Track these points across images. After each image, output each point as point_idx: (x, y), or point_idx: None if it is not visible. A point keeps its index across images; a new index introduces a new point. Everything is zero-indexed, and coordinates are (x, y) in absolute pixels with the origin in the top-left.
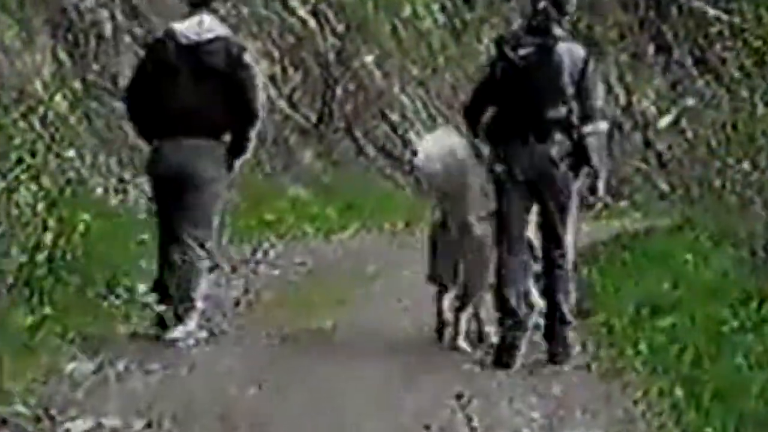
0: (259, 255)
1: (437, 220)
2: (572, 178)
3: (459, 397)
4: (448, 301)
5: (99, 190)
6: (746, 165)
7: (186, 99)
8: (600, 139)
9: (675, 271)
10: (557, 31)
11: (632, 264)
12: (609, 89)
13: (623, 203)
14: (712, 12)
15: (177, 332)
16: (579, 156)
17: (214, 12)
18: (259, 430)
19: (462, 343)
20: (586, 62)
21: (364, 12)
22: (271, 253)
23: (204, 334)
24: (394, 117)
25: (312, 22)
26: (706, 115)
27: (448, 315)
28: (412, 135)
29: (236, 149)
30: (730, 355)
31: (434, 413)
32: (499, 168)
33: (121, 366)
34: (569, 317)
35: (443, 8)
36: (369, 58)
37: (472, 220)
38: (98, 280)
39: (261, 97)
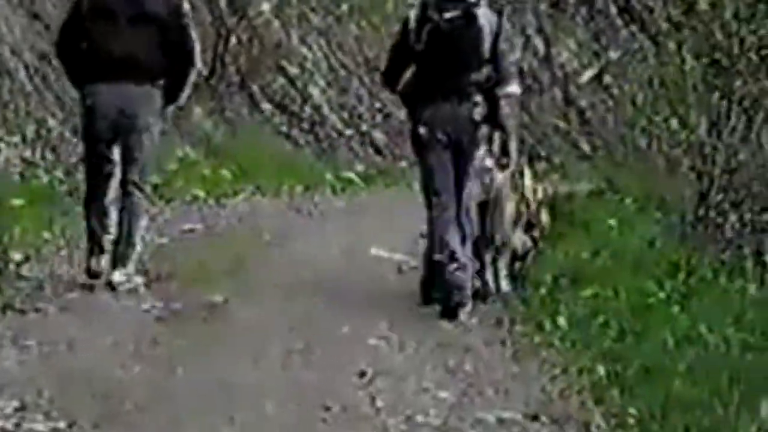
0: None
1: None
2: (485, 138)
3: (362, 374)
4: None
5: None
6: (674, 123)
7: (125, 45)
8: (513, 102)
9: (597, 239)
10: None
11: (550, 231)
12: (527, 40)
13: (541, 165)
14: None
15: (117, 276)
16: (492, 118)
17: None
18: (145, 410)
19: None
20: (499, 25)
21: None
22: (158, 219)
23: (140, 279)
24: (293, 70)
25: None
26: (631, 69)
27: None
28: (312, 89)
29: (171, 95)
30: (655, 330)
31: (336, 392)
32: (422, 130)
33: None
34: (464, 259)
35: None
36: (266, 6)
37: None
38: None
39: (198, 46)
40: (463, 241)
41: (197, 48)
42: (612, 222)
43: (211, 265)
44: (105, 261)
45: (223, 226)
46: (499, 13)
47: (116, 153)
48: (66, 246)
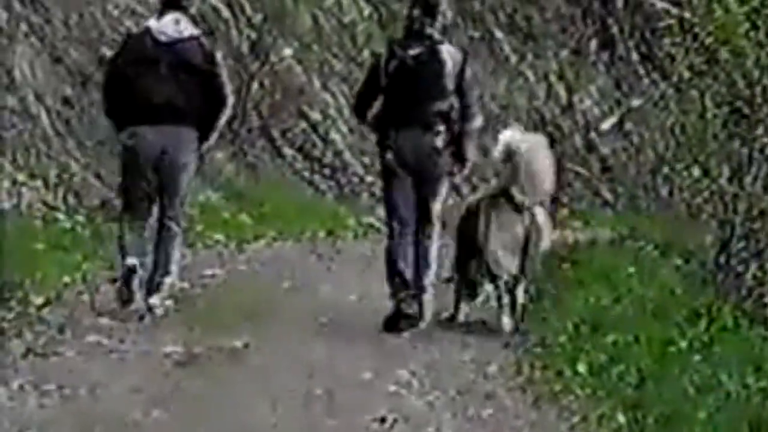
0: None
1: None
2: (449, 166)
3: (382, 420)
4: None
5: None
6: (696, 171)
7: (165, 90)
8: (474, 134)
9: (618, 286)
10: (436, 35)
11: (571, 278)
12: (548, 87)
13: (562, 212)
14: (660, 5)
15: (153, 299)
16: (457, 148)
17: (186, 11)
18: None
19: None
20: (464, 63)
21: (282, 1)
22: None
23: (171, 302)
24: (315, 115)
25: (226, 12)
26: (652, 116)
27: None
28: (333, 135)
29: (203, 135)
30: (676, 377)
31: None
32: (389, 156)
33: (14, 386)
34: (428, 287)
35: None
36: (288, 52)
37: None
38: None
39: (231, 91)
40: (427, 266)
41: (230, 93)
42: (633, 269)
43: (231, 310)
44: (139, 294)
45: (244, 271)
46: (465, 52)
47: (154, 191)
48: (87, 290)
